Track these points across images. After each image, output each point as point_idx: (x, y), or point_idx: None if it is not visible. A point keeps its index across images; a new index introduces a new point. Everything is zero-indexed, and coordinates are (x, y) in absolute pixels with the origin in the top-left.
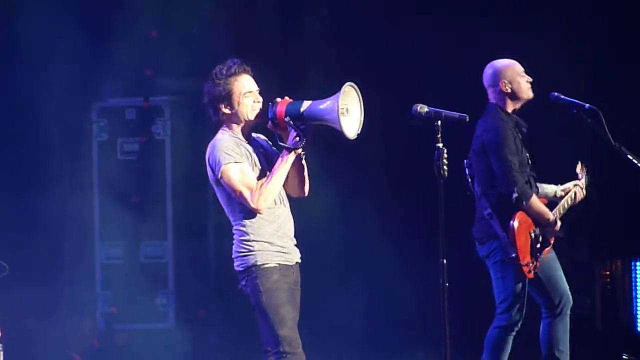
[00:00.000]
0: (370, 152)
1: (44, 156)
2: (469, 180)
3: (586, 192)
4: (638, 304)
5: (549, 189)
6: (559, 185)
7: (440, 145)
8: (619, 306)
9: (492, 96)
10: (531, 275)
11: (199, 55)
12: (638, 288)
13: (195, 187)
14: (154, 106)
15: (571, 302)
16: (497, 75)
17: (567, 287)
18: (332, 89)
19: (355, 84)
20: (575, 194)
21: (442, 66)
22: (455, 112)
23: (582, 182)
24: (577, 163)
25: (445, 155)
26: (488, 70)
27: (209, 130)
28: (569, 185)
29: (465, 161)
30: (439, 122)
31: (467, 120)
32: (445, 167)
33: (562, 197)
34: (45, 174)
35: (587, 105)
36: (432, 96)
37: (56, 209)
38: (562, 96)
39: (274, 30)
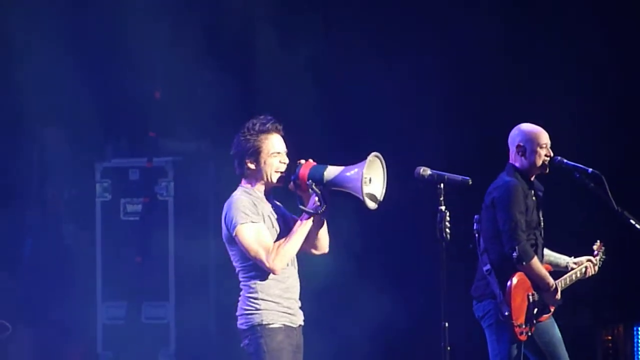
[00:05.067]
0: (374, 212)
1: (47, 216)
2: (476, 235)
3: (598, 270)
4: None
5: (562, 259)
6: (573, 257)
7: (443, 207)
8: None
9: (511, 156)
10: (523, 337)
11: (203, 116)
12: (639, 354)
13: (197, 248)
14: (157, 167)
15: None
16: (517, 138)
17: (566, 353)
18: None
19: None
20: (586, 268)
21: (447, 129)
22: (458, 175)
23: (596, 259)
24: (597, 241)
25: (448, 218)
26: (514, 131)
27: (211, 192)
28: (582, 259)
29: (475, 216)
30: (442, 185)
31: (470, 183)
32: (447, 230)
33: (572, 269)
34: (49, 234)
35: (591, 169)
36: (437, 159)
37: (59, 269)
38: (566, 160)
39: (277, 92)
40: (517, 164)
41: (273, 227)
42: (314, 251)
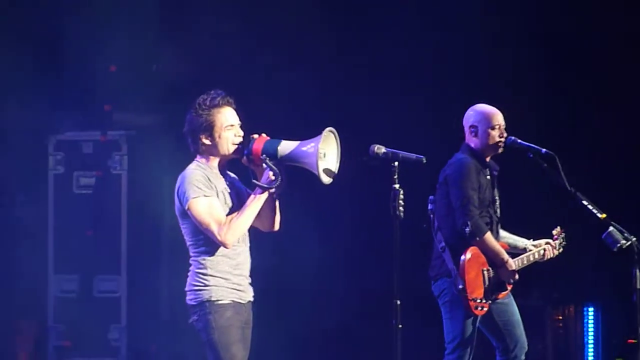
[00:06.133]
0: (328, 190)
1: None
2: (431, 215)
3: (557, 253)
4: (589, 350)
5: (520, 241)
6: (531, 240)
7: (397, 186)
8: (571, 351)
9: (466, 136)
10: (478, 312)
11: (158, 91)
12: (589, 334)
13: (150, 222)
14: (111, 140)
15: (526, 347)
16: (470, 118)
17: (523, 333)
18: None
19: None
20: (544, 250)
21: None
22: (412, 154)
23: (555, 243)
24: (557, 227)
25: (402, 197)
26: (468, 112)
27: (165, 166)
28: (541, 241)
29: (430, 197)
30: (396, 163)
31: (424, 161)
32: (401, 208)
33: (530, 251)
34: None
35: (544, 150)
36: (391, 137)
37: (10, 241)
38: (519, 140)
39: (235, 67)
40: (471, 144)
41: (226, 202)
42: (262, 228)
